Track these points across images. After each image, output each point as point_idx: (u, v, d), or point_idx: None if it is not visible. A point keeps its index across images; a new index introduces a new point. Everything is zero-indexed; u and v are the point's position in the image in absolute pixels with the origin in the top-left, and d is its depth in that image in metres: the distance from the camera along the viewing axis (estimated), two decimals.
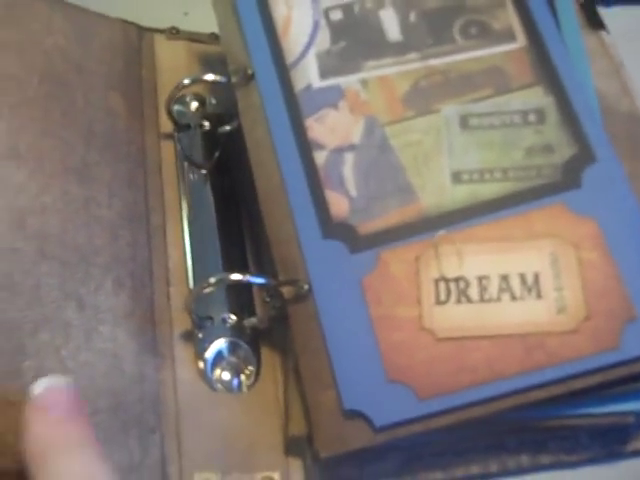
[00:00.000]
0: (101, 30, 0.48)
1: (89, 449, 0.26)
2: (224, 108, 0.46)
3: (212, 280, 0.36)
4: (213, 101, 0.46)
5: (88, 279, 0.38)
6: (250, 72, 0.41)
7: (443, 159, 0.37)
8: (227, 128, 0.45)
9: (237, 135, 0.44)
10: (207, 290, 0.37)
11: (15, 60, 0.43)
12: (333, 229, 0.36)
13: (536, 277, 0.34)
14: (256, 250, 0.42)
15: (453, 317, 0.34)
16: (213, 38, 0.50)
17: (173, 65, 0.49)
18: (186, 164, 0.44)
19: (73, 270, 0.37)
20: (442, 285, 0.35)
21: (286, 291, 0.36)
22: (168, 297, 0.40)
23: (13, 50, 0.43)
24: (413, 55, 0.40)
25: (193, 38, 0.50)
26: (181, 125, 0.45)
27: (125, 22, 0.49)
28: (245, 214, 0.43)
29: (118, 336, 0.37)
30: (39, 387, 0.28)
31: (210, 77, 0.43)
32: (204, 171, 0.44)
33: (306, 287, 0.35)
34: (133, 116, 0.45)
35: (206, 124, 0.45)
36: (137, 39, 0.49)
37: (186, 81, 0.43)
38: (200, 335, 0.38)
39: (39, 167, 0.40)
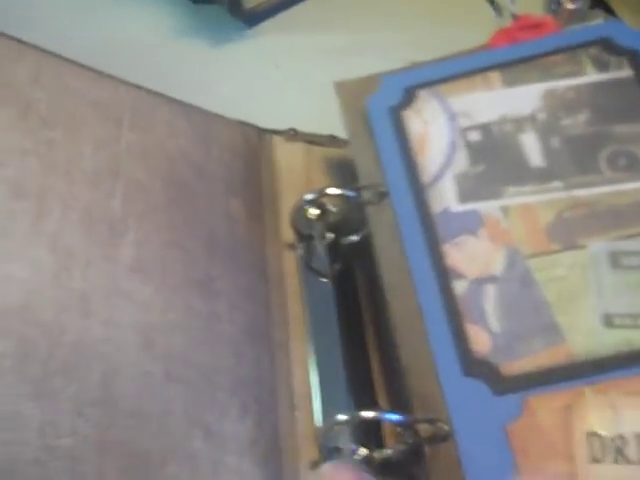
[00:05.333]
0: (221, 131, 0.47)
1: None
2: (345, 216, 0.45)
3: (342, 418, 0.35)
4: (333, 209, 0.45)
5: (213, 404, 0.36)
6: (383, 190, 0.40)
7: (591, 299, 0.35)
8: (352, 239, 0.43)
9: (361, 245, 0.43)
10: (336, 428, 0.35)
11: (140, 165, 0.42)
12: (474, 366, 0.35)
13: None
14: (383, 371, 0.40)
15: (611, 479, 0.32)
16: (332, 140, 0.49)
17: (292, 168, 0.48)
18: (308, 274, 0.43)
19: (199, 394, 0.36)
20: (596, 441, 0.32)
21: (423, 429, 0.35)
22: (293, 423, 0.38)
23: (138, 154, 0.43)
24: (556, 184, 0.38)
25: (311, 140, 0.49)
26: (304, 235, 0.44)
27: (245, 124, 0.49)
28: (370, 330, 0.42)
29: (244, 467, 0.35)
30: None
31: (334, 191, 0.42)
32: (326, 279, 0.43)
33: (446, 428, 0.34)
34: (254, 223, 0.44)
35: (330, 235, 0.44)
36: (256, 140, 0.48)
37: (309, 196, 0.42)
38: None
39: (163, 281, 0.39)
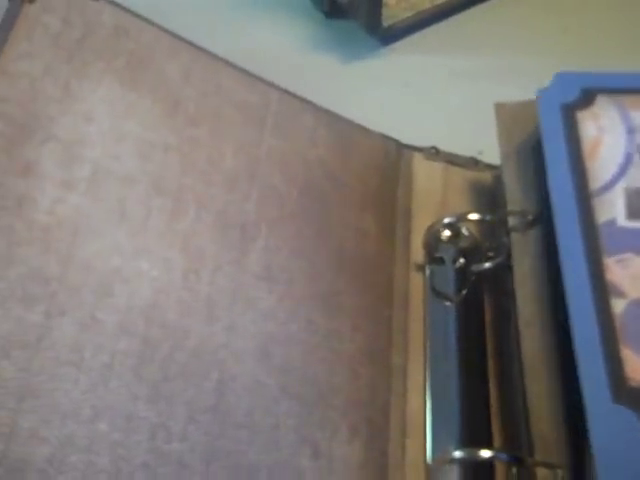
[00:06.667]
0: (361, 144, 0.47)
1: None
2: (477, 242, 0.44)
3: (457, 455, 0.34)
4: (466, 233, 0.44)
5: (325, 422, 0.36)
6: (530, 218, 0.38)
7: None
8: (485, 266, 0.42)
9: (492, 274, 0.42)
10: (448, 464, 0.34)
11: (278, 171, 0.42)
12: (627, 394, 0.32)
13: None
14: (501, 408, 0.39)
15: None
16: (472, 163, 0.48)
17: (429, 187, 0.47)
18: (434, 297, 0.42)
19: (311, 411, 0.36)
20: None
21: (540, 474, 0.33)
22: (403, 449, 0.37)
23: (278, 160, 0.43)
24: None
25: (452, 160, 0.48)
26: (433, 257, 0.43)
27: (385, 137, 0.48)
28: (492, 363, 0.40)
29: None
30: None
31: (474, 217, 0.41)
32: (451, 304, 0.42)
33: (562, 475, 0.32)
34: (384, 240, 0.44)
35: (461, 260, 0.42)
36: (395, 155, 0.48)
37: (448, 219, 0.41)
38: None
39: (288, 291, 0.39)
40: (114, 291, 0.34)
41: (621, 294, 0.34)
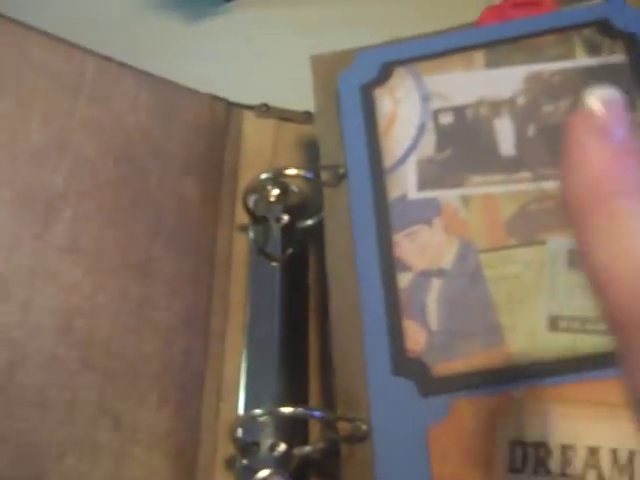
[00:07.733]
0: (187, 106, 0.45)
1: None
2: (305, 199, 0.43)
3: (257, 412, 0.32)
4: (295, 189, 0.42)
5: (131, 393, 0.35)
6: (342, 172, 0.37)
7: (541, 300, 0.32)
8: (308, 223, 0.41)
9: (317, 230, 0.41)
10: (255, 419, 0.33)
11: (93, 140, 0.40)
12: (405, 365, 0.32)
13: (630, 457, 0.28)
14: (322, 365, 0.38)
15: None
16: (306, 117, 0.46)
17: (259, 146, 0.45)
18: (258, 258, 0.41)
19: (116, 383, 0.34)
20: (519, 449, 0.29)
21: (342, 428, 0.32)
22: (217, 413, 0.36)
23: (93, 130, 0.41)
24: (525, 174, 0.34)
25: (284, 116, 0.47)
26: (258, 217, 0.41)
27: (214, 97, 0.46)
28: (315, 321, 0.39)
29: (153, 461, 0.33)
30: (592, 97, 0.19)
31: (292, 172, 0.40)
32: (275, 263, 0.40)
33: (364, 428, 0.31)
34: (207, 204, 0.42)
35: (285, 218, 0.41)
36: (225, 115, 0.46)
37: (264, 176, 0.39)
38: (244, 462, 0.34)
39: (97, 263, 0.37)
40: None
41: (407, 268, 0.34)
